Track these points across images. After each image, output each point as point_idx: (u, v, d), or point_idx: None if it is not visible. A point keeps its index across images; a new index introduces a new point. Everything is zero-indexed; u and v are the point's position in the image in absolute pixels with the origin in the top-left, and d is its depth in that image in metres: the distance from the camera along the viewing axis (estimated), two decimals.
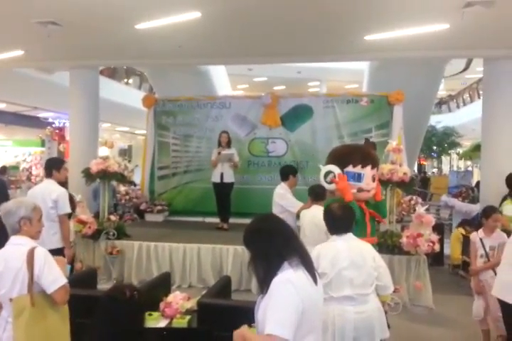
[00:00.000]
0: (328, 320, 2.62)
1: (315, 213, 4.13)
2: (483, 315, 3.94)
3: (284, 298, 1.74)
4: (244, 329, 1.85)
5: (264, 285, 1.82)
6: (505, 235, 4.01)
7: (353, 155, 3.91)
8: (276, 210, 5.05)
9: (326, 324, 2.57)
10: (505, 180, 6.13)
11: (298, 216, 4.84)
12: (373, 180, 3.83)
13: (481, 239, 4.06)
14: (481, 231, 4.11)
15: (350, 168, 3.76)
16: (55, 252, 4.24)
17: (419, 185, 10.45)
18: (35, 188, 4.56)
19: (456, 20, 5.14)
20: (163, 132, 7.95)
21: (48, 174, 4.50)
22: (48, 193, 4.33)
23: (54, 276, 2.32)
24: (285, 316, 1.72)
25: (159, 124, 7.93)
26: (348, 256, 2.75)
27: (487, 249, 3.97)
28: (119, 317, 1.78)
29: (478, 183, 9.22)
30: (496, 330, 3.83)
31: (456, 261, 6.28)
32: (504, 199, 5.79)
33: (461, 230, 6.37)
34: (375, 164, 3.91)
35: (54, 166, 4.52)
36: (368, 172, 3.78)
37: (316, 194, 4.58)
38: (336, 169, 3.71)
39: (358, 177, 3.80)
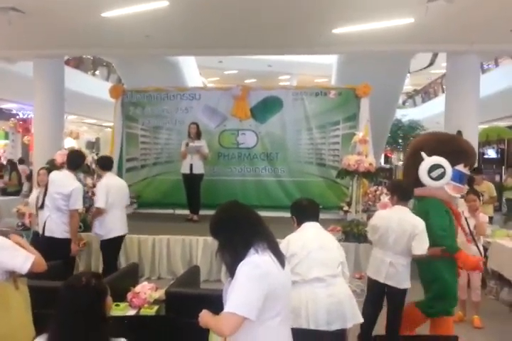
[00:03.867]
0: (301, 305, 2.68)
1: (403, 216, 3.40)
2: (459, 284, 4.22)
3: (248, 279, 1.77)
4: (203, 313, 1.88)
5: (232, 271, 1.85)
6: (487, 217, 4.49)
7: (469, 153, 3.47)
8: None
9: (299, 309, 2.65)
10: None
11: None
12: None
13: (466, 218, 4.28)
14: (466, 211, 4.35)
15: (460, 167, 3.30)
16: (62, 241, 4.34)
17: (386, 176, 10.75)
18: (55, 175, 4.49)
19: (421, 14, 5.28)
20: (131, 123, 7.82)
21: (72, 167, 4.50)
22: (62, 186, 4.35)
23: (22, 256, 2.33)
24: (246, 295, 1.74)
25: (127, 115, 7.79)
26: (317, 240, 2.87)
27: (471, 228, 4.18)
28: (77, 304, 1.76)
29: None
30: (474, 296, 4.33)
31: None
32: None
33: None
34: None
35: (81, 163, 4.70)
36: (467, 173, 3.44)
37: (404, 192, 3.56)
38: (446, 164, 3.21)
39: (463, 179, 3.35)
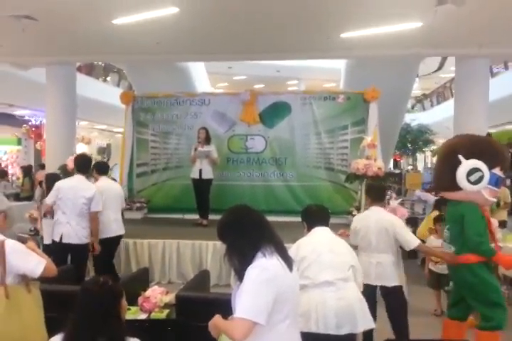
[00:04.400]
0: (311, 308, 2.69)
1: (381, 216, 3.68)
2: None
3: (257, 284, 1.77)
4: (215, 318, 1.88)
5: (240, 275, 1.85)
6: (496, 221, 4.39)
7: (504, 155, 3.42)
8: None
9: (308, 312, 2.66)
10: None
11: None
12: None
13: None
14: None
15: (497, 171, 3.21)
16: (79, 247, 4.44)
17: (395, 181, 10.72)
18: (66, 183, 4.58)
19: (429, 18, 5.28)
20: (141, 129, 7.90)
21: (83, 171, 4.64)
22: (82, 190, 4.48)
23: (34, 260, 2.37)
24: (256, 300, 1.74)
25: (138, 121, 7.88)
26: (327, 243, 2.89)
27: None
28: (93, 306, 1.81)
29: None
30: None
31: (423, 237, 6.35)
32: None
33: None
34: None
35: (89, 166, 4.82)
36: (503, 177, 3.36)
37: (376, 193, 3.90)
38: (484, 168, 3.14)
39: (499, 182, 3.26)
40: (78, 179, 4.59)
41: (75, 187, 4.50)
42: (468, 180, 3.11)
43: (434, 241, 4.62)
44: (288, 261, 1.91)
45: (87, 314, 1.80)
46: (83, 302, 1.84)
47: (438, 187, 3.56)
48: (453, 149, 3.28)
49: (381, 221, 3.62)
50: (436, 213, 6.25)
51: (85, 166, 4.73)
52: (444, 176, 3.33)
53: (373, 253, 3.63)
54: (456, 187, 3.21)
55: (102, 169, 5.12)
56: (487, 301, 3.14)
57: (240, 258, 1.86)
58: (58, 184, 4.56)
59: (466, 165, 3.10)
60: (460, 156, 3.13)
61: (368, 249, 3.64)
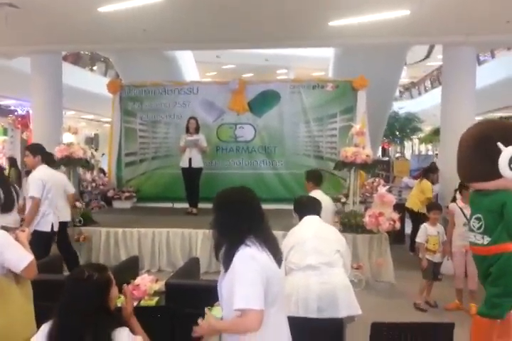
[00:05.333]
0: (292, 292, 2.73)
1: (324, 197, 4.26)
2: (458, 274, 4.55)
3: (249, 273, 1.79)
4: (212, 322, 1.86)
5: (226, 260, 1.86)
6: None
7: None
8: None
9: (290, 295, 2.69)
10: None
11: None
12: None
13: (460, 208, 4.36)
14: (459, 201, 4.40)
15: None
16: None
17: (383, 168, 10.79)
18: (47, 174, 4.51)
19: (416, 6, 5.30)
20: (129, 118, 7.84)
21: (44, 159, 4.63)
22: (62, 179, 4.66)
23: (19, 255, 2.29)
24: (253, 289, 1.77)
25: (125, 110, 7.82)
26: (314, 230, 2.97)
27: (468, 217, 4.09)
28: (77, 297, 1.81)
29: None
30: (470, 285, 4.39)
31: (415, 207, 6.60)
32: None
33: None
34: None
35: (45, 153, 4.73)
36: None
37: (318, 178, 4.60)
38: None
39: None
40: (48, 169, 4.57)
41: (57, 176, 4.58)
42: (511, 168, 2.97)
43: (430, 230, 4.60)
44: (274, 251, 1.93)
45: (72, 304, 1.80)
46: (68, 292, 1.83)
47: (470, 177, 3.37)
48: (486, 136, 3.09)
49: (324, 201, 4.07)
50: (425, 181, 6.61)
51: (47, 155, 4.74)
52: (479, 165, 3.11)
53: None
54: (493, 176, 3.03)
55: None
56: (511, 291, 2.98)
57: (229, 238, 1.88)
58: (40, 176, 4.43)
59: (507, 152, 2.97)
60: (499, 144, 2.98)
61: None
